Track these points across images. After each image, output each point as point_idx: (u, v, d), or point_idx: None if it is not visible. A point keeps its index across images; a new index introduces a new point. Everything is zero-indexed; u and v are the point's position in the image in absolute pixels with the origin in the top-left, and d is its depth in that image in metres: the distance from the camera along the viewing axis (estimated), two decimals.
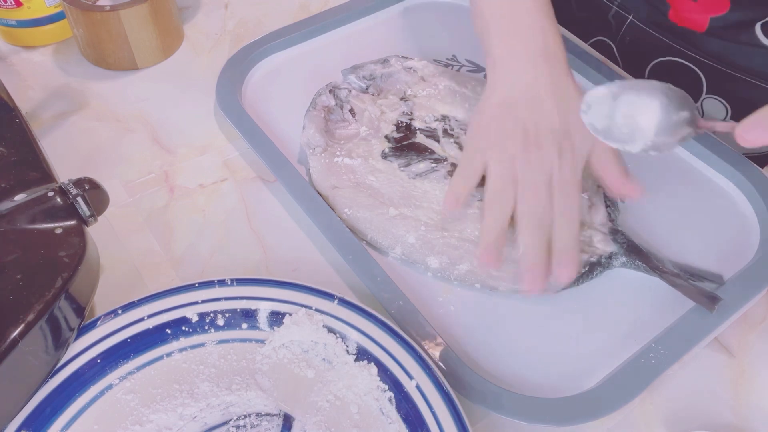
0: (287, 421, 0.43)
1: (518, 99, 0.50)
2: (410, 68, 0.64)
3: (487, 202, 0.49)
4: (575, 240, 0.48)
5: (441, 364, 0.45)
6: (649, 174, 0.59)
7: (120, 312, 0.46)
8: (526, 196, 0.48)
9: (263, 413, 0.43)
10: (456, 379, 0.44)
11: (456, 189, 0.51)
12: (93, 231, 0.47)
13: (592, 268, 0.51)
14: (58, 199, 0.45)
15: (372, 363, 0.44)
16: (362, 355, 0.45)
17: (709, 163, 0.59)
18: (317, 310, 0.46)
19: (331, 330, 0.45)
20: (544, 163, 0.48)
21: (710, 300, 0.48)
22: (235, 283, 0.47)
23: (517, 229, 0.48)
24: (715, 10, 0.66)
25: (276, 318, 0.46)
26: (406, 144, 0.58)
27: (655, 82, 0.42)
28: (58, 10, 0.69)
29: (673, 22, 0.71)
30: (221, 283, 0.47)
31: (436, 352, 0.45)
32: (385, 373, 0.44)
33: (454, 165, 0.57)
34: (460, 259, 0.51)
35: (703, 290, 0.49)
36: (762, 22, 0.64)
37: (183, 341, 0.46)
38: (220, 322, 0.46)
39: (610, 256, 0.51)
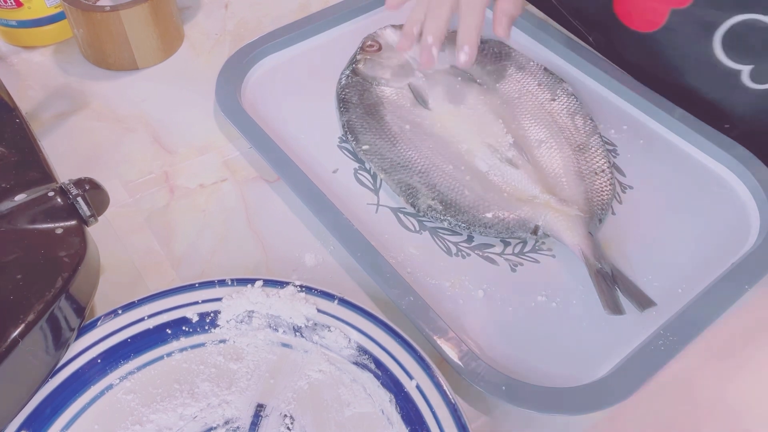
0: (288, 421, 0.43)
1: None
2: None
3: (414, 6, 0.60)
4: (476, 29, 0.57)
5: (454, 357, 0.45)
6: (648, 163, 0.59)
7: (120, 312, 0.46)
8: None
9: (264, 413, 0.43)
10: (470, 371, 0.45)
11: None
12: (93, 231, 0.47)
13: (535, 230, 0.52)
14: (59, 200, 0.45)
15: (372, 363, 0.44)
16: (362, 355, 0.45)
17: (708, 153, 0.59)
18: (318, 310, 0.46)
19: (331, 331, 0.45)
20: None
21: (640, 303, 0.49)
22: (235, 283, 0.47)
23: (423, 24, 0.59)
24: (678, 1, 0.62)
25: (276, 318, 0.46)
26: None
27: None
28: (58, 10, 0.70)
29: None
30: (221, 283, 0.47)
31: (448, 346, 0.46)
32: (385, 373, 0.44)
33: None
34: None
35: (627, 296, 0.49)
36: (725, 29, 0.61)
37: (183, 341, 0.46)
38: (220, 322, 0.46)
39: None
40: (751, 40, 0.60)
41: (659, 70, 0.66)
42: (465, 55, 0.57)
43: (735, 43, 0.61)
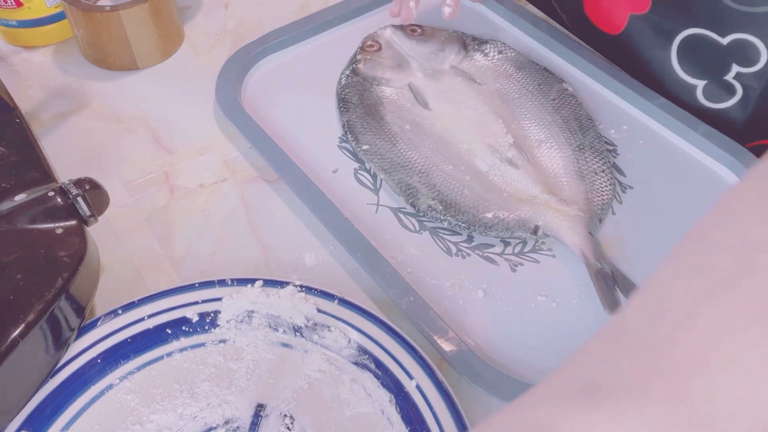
0: (288, 421, 0.43)
1: None
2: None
3: None
4: None
5: (454, 357, 0.45)
6: (648, 163, 0.59)
7: (120, 312, 0.46)
8: None
9: (264, 413, 0.43)
10: (470, 371, 0.45)
11: None
12: (93, 231, 0.47)
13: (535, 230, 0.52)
14: (59, 199, 0.45)
15: (372, 363, 0.44)
16: (362, 355, 0.45)
17: (708, 153, 0.59)
18: (318, 310, 0.46)
19: (331, 331, 0.45)
20: None
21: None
22: (235, 283, 0.47)
23: None
24: (636, 7, 0.63)
25: (276, 318, 0.46)
26: None
27: None
28: (58, 10, 0.70)
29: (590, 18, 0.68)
30: (221, 283, 0.47)
31: (448, 346, 0.46)
32: (385, 373, 0.44)
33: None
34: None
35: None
36: (679, 41, 0.61)
37: (183, 341, 0.46)
38: (220, 322, 0.46)
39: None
40: (703, 54, 0.60)
41: (627, 73, 0.66)
42: (449, 7, 0.60)
43: (689, 56, 0.61)
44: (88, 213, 0.46)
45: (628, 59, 0.66)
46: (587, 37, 0.70)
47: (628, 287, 0.49)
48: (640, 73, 0.65)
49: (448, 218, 0.53)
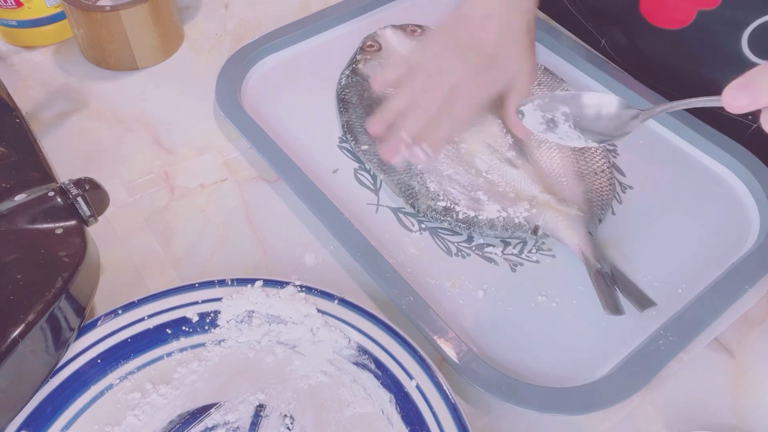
0: (288, 421, 0.43)
1: (472, 16, 0.55)
2: None
3: (397, 94, 0.54)
4: (443, 138, 0.53)
5: (454, 357, 0.45)
6: (648, 163, 0.59)
7: (120, 312, 0.46)
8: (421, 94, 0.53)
9: (264, 413, 0.43)
10: (469, 371, 0.45)
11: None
12: (93, 231, 0.47)
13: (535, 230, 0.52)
14: (59, 199, 0.45)
15: (372, 363, 0.44)
16: (362, 355, 0.45)
17: (708, 153, 0.59)
18: (318, 310, 0.46)
19: (331, 331, 0.45)
20: (454, 73, 0.53)
21: (640, 303, 0.48)
22: (235, 283, 0.47)
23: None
24: (705, 3, 0.63)
25: (276, 318, 0.46)
26: None
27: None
28: (58, 10, 0.70)
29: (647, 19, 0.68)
30: (221, 283, 0.47)
31: (448, 346, 0.46)
32: (385, 373, 0.44)
33: None
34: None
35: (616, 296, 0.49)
36: (752, 29, 0.61)
37: (183, 341, 0.46)
38: (220, 322, 0.46)
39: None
40: None
41: (683, 64, 0.66)
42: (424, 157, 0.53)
43: (763, 41, 0.61)
44: (88, 213, 0.46)
45: (693, 51, 0.66)
46: (635, 35, 0.69)
47: (628, 287, 0.49)
48: (704, 60, 0.65)
49: (448, 218, 0.53)
